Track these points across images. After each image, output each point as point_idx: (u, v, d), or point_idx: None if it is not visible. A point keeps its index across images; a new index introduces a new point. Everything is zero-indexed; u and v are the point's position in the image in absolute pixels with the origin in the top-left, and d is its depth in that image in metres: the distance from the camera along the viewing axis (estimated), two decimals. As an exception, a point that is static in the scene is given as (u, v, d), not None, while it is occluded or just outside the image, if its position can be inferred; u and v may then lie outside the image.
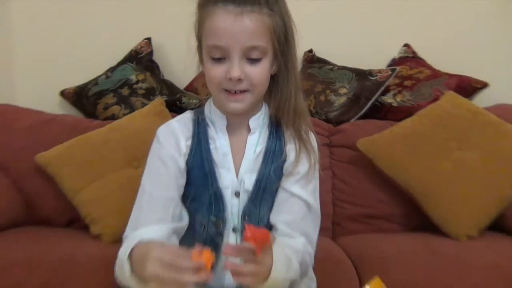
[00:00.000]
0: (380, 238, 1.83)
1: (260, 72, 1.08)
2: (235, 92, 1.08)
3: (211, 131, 1.17)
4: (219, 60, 1.06)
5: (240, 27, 1.02)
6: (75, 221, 1.94)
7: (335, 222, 2.01)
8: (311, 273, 1.31)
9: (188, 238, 1.17)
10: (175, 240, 1.12)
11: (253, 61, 1.06)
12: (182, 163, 1.14)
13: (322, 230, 1.90)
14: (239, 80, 1.06)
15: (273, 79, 1.15)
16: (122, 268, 0.99)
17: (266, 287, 0.97)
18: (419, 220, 1.90)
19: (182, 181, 1.15)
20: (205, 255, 0.84)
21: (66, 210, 1.91)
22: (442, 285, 1.48)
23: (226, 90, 1.09)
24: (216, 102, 1.17)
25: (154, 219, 1.10)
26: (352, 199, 2.00)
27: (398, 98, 2.20)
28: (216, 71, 1.07)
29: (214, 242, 1.15)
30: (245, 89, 1.08)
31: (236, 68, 1.04)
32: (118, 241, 1.72)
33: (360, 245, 1.75)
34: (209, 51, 1.06)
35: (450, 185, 1.80)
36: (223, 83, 1.07)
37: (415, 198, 1.86)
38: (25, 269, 1.49)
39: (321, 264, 1.36)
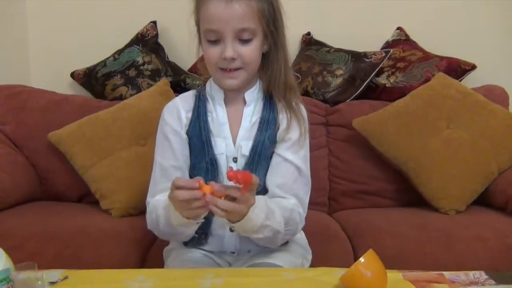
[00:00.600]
0: (374, 212, 1.83)
1: (251, 51, 1.13)
2: (230, 70, 1.14)
3: (210, 105, 1.23)
4: (214, 42, 1.12)
5: (231, 12, 1.07)
6: (86, 196, 1.94)
7: (331, 198, 2.01)
8: (306, 245, 1.32)
9: None
10: None
11: (245, 41, 1.12)
12: (184, 135, 1.21)
13: (319, 205, 1.94)
14: (233, 59, 1.11)
15: (265, 57, 1.20)
16: (168, 210, 1.06)
17: (241, 225, 1.02)
18: (410, 195, 1.90)
19: (187, 151, 1.22)
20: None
21: (77, 186, 1.92)
22: (430, 256, 1.49)
23: (222, 69, 1.14)
24: (215, 80, 1.22)
25: (166, 188, 1.14)
26: (347, 175, 1.99)
27: (392, 79, 2.18)
28: (212, 52, 1.13)
29: None
30: (238, 67, 1.14)
31: (229, 48, 1.10)
32: (126, 215, 1.75)
33: (355, 219, 1.76)
34: (205, 34, 1.13)
35: (440, 162, 1.80)
36: (218, 62, 1.13)
37: (407, 175, 1.86)
38: (40, 240, 1.50)
39: (318, 237, 1.36)
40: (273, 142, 1.20)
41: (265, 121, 1.21)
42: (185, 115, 1.22)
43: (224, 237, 1.21)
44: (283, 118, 1.21)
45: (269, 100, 1.23)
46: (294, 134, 1.20)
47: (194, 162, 1.22)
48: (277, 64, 1.19)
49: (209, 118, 1.21)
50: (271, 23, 1.14)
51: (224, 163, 1.19)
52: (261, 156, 1.19)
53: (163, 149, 1.22)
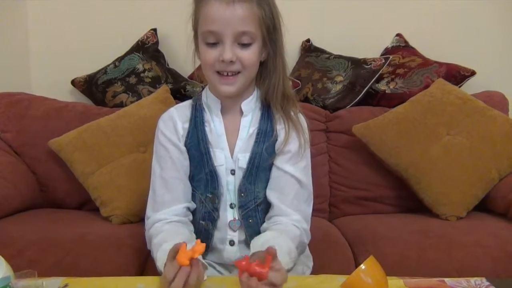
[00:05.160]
0: (375, 219, 1.83)
1: (250, 55, 1.11)
2: (227, 74, 1.11)
3: (207, 115, 1.21)
4: (212, 44, 1.10)
5: (232, 14, 1.06)
6: (86, 204, 1.94)
7: (331, 204, 2.01)
8: (307, 251, 1.31)
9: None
10: (190, 218, 1.21)
11: (244, 45, 1.10)
12: (181, 145, 1.20)
13: (320, 212, 1.93)
14: (231, 62, 1.09)
15: (263, 65, 1.18)
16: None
17: None
18: (411, 202, 1.90)
19: (186, 162, 1.20)
20: (194, 252, 0.87)
21: (77, 193, 1.91)
22: (431, 262, 1.48)
23: (219, 73, 1.12)
24: (211, 86, 1.20)
25: (167, 200, 1.17)
26: (347, 182, 1.99)
27: (391, 86, 2.18)
28: (210, 54, 1.10)
29: (211, 217, 1.20)
30: (237, 71, 1.11)
31: (228, 51, 1.08)
32: (126, 222, 1.75)
33: (355, 226, 1.75)
34: (204, 37, 1.10)
35: (440, 168, 1.80)
36: (216, 65, 1.11)
37: (407, 181, 1.86)
38: (40, 248, 1.49)
39: (319, 244, 1.36)
40: (272, 153, 1.18)
41: (263, 132, 1.19)
42: (182, 126, 1.20)
43: (223, 250, 1.20)
44: (281, 129, 1.19)
45: (266, 110, 1.21)
46: (294, 145, 1.18)
47: (194, 174, 1.20)
48: (275, 73, 1.17)
49: (207, 129, 1.20)
50: (271, 30, 1.13)
51: (223, 175, 1.18)
52: (259, 168, 1.17)
53: (161, 160, 1.20)
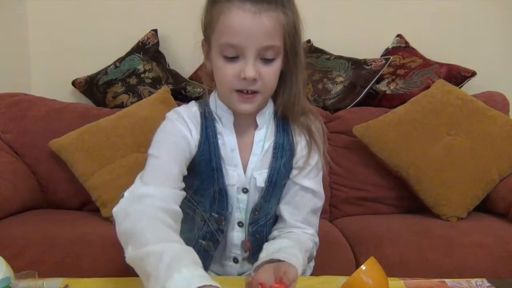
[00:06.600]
0: (375, 219, 1.83)
1: (273, 73, 0.99)
2: (247, 92, 0.99)
3: (219, 126, 1.07)
4: (232, 59, 0.97)
5: (258, 26, 0.93)
6: (86, 204, 1.94)
7: (332, 205, 2.01)
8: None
9: (186, 230, 1.04)
10: (177, 207, 0.96)
11: (267, 61, 0.97)
12: (191, 144, 1.04)
13: (320, 212, 1.92)
14: (253, 80, 0.97)
15: (281, 77, 1.05)
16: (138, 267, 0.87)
17: None
18: (411, 202, 1.90)
19: (189, 159, 1.05)
20: None
21: (78, 194, 1.92)
22: (432, 263, 1.48)
23: (238, 91, 1.00)
24: (225, 101, 1.06)
25: (159, 183, 0.96)
26: (348, 182, 1.99)
27: (392, 86, 2.18)
28: (229, 70, 0.97)
29: (213, 238, 1.11)
30: (256, 91, 0.99)
31: (251, 68, 0.95)
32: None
33: (356, 226, 1.75)
34: (222, 49, 0.97)
35: (441, 169, 1.80)
36: (235, 83, 0.98)
37: (408, 182, 1.86)
38: (40, 249, 1.49)
39: (319, 244, 1.35)
40: (289, 169, 1.10)
41: (280, 147, 1.08)
42: (196, 137, 1.05)
43: (226, 266, 1.16)
44: (300, 141, 1.10)
45: (281, 123, 1.10)
46: (313, 160, 1.09)
47: (200, 188, 1.08)
48: (296, 87, 1.05)
49: (220, 141, 1.06)
50: (293, 39, 0.99)
51: (234, 194, 1.08)
52: (276, 185, 1.09)
53: (166, 145, 1.02)
